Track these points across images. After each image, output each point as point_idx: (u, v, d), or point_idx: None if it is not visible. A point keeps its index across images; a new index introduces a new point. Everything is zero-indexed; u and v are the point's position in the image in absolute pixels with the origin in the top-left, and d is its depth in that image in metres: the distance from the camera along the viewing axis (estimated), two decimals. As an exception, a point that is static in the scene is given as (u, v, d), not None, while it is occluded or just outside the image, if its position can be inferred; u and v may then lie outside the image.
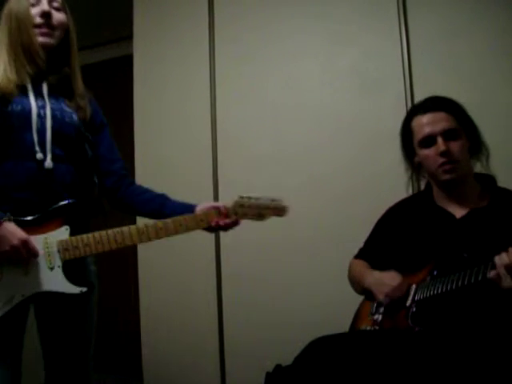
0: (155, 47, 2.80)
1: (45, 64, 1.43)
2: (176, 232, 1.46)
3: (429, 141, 1.53)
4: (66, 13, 1.49)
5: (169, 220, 1.45)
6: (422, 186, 1.75)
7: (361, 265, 1.76)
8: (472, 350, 1.28)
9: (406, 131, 1.62)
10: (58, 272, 1.36)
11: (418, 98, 1.67)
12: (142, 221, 1.51)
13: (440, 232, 1.55)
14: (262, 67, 2.53)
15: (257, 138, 2.52)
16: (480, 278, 1.27)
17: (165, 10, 2.79)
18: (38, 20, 1.41)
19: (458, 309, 1.40)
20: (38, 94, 1.43)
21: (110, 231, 1.42)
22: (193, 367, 2.59)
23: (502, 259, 1.25)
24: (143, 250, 2.76)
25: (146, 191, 1.62)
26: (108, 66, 3.70)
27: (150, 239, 1.44)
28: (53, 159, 1.40)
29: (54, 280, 1.36)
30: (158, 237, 1.44)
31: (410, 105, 2.15)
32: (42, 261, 1.35)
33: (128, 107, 3.01)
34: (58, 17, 1.46)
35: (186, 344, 2.61)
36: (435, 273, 1.46)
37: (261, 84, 2.53)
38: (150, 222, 1.45)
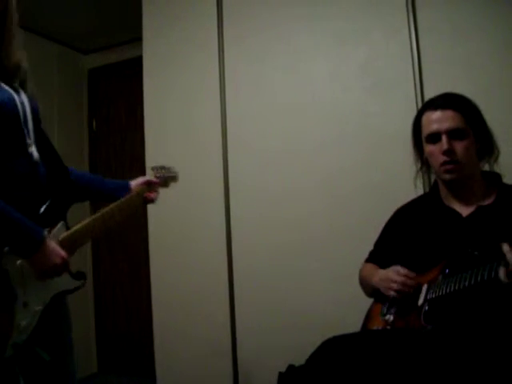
0: (165, 48, 2.81)
1: None
2: (130, 213, 1.57)
3: (434, 138, 1.54)
4: None
5: (124, 202, 1.52)
6: (431, 180, 1.75)
7: (370, 268, 1.77)
8: (486, 347, 1.29)
9: (417, 125, 1.63)
10: None
11: (428, 97, 1.67)
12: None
13: (448, 231, 1.55)
14: (272, 67, 2.53)
15: (267, 137, 2.52)
16: (493, 276, 1.26)
17: (174, 11, 2.80)
18: None
19: (471, 306, 1.39)
20: (5, 80, 1.29)
21: (90, 220, 1.40)
22: (206, 367, 2.60)
23: None
24: (155, 253, 2.77)
25: (84, 172, 1.61)
26: (118, 68, 3.73)
27: (116, 222, 1.50)
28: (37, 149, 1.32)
29: (64, 279, 1.31)
30: (119, 220, 1.51)
31: (420, 103, 2.14)
32: None
33: (138, 108, 3.03)
34: None
35: (199, 345, 2.62)
36: (447, 271, 1.46)
37: (270, 84, 2.53)
38: (112, 205, 1.49)
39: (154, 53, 2.84)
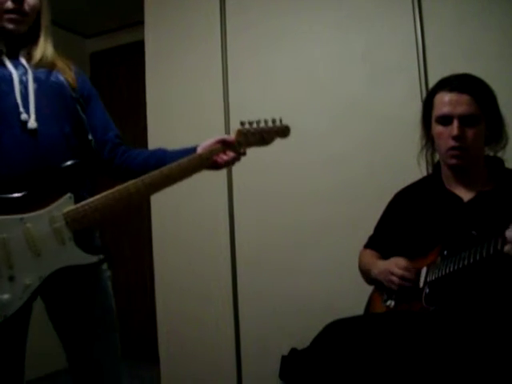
0: (167, 33, 2.80)
1: (5, 48, 1.36)
2: (180, 176, 1.39)
3: (445, 120, 1.50)
4: None
5: (173, 165, 1.38)
6: (434, 159, 1.75)
7: (369, 256, 1.76)
8: (488, 325, 1.30)
9: (429, 103, 1.59)
10: (71, 245, 1.27)
11: (433, 83, 1.63)
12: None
13: (448, 215, 1.54)
14: (274, 54, 2.53)
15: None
16: (492, 252, 1.25)
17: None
18: (9, 5, 1.32)
19: (471, 285, 1.40)
20: (18, 64, 1.37)
21: (115, 190, 1.32)
22: (209, 351, 2.63)
23: None
24: (158, 237, 2.79)
25: (143, 151, 1.56)
26: (120, 52, 3.71)
27: (157, 189, 1.37)
28: (38, 119, 1.32)
29: (69, 254, 1.27)
30: (165, 185, 1.38)
31: (424, 90, 2.14)
32: (52, 238, 1.25)
33: (141, 93, 3.02)
34: (31, 2, 1.35)
35: (202, 329, 2.64)
36: (445, 253, 1.46)
37: (273, 71, 2.53)
38: (155, 171, 1.37)
39: (156, 38, 2.82)
